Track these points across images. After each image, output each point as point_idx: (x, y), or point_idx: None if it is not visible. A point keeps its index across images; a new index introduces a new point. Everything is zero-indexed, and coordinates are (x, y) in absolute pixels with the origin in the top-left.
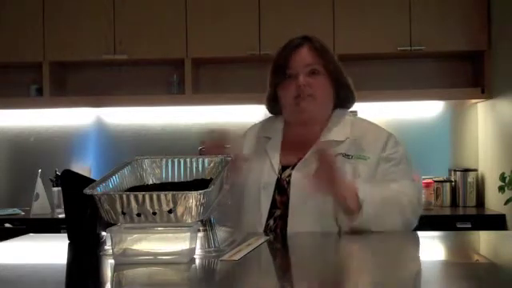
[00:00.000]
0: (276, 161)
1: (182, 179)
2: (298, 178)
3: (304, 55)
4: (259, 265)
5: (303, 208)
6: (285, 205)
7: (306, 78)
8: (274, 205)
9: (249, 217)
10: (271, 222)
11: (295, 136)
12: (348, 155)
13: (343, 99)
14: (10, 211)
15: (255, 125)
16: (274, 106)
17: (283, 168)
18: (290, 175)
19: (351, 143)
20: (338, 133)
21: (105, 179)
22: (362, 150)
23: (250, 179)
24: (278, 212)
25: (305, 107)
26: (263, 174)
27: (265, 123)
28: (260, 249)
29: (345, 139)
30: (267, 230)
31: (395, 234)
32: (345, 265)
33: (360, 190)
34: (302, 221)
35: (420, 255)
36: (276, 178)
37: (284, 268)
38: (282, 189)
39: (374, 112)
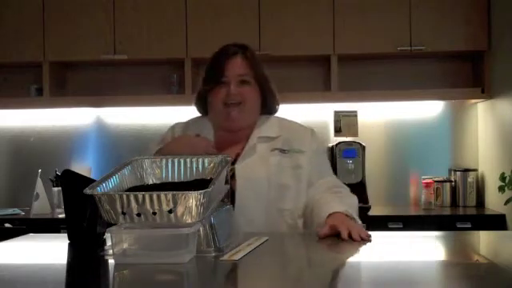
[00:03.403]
0: None
1: (182, 179)
2: (244, 170)
3: (238, 64)
4: (259, 265)
5: (250, 197)
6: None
7: (237, 87)
8: None
9: None
10: None
11: (227, 136)
12: (284, 150)
13: (270, 106)
14: (10, 211)
15: (181, 123)
16: (201, 105)
17: None
18: (231, 169)
19: (283, 140)
20: (269, 130)
21: (105, 179)
22: (295, 145)
23: None
24: None
25: (235, 116)
26: None
27: (192, 123)
28: (260, 249)
29: (277, 136)
30: None
31: (395, 234)
32: (343, 264)
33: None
34: (249, 209)
35: (420, 255)
36: None
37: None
38: None
39: (373, 112)
